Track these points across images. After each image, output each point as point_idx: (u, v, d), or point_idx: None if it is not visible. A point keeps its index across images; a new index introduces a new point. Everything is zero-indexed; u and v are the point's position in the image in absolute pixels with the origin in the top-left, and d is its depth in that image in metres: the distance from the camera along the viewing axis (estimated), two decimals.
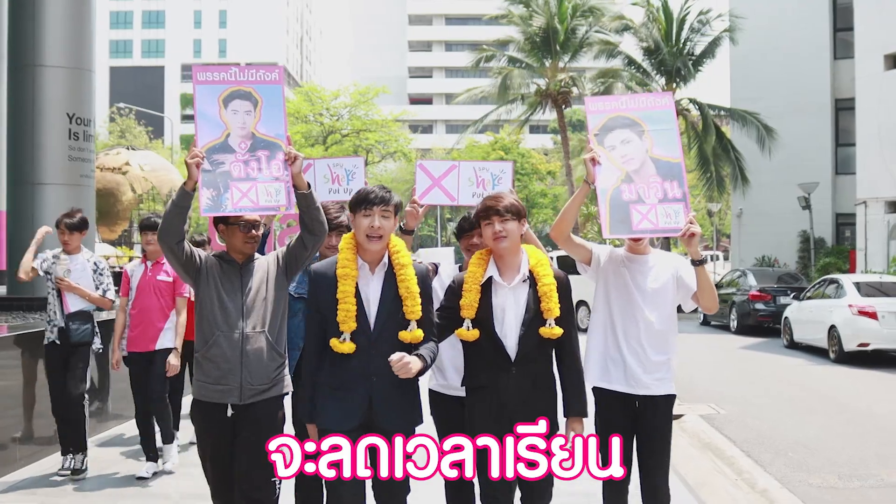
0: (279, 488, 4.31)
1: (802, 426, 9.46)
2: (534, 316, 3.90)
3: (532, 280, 3.95)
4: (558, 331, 3.88)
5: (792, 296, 18.50)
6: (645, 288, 4.34)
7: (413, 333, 3.80)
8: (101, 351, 7.13)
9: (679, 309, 4.52)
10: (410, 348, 3.82)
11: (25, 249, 7.35)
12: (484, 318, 3.92)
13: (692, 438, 8.65)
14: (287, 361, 4.39)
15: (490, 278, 3.96)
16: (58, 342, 6.74)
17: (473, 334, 3.90)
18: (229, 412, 4.20)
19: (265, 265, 4.37)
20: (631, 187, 4.29)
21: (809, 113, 28.13)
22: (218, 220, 4.38)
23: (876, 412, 10.39)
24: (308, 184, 4.28)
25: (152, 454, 6.88)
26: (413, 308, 3.81)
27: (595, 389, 4.38)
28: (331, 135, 50.23)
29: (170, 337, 6.85)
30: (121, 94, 70.19)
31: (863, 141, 23.77)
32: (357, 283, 3.84)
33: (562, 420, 3.97)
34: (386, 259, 3.92)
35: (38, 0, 11.67)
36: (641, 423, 4.34)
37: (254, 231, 4.32)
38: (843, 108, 26.96)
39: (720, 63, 29.76)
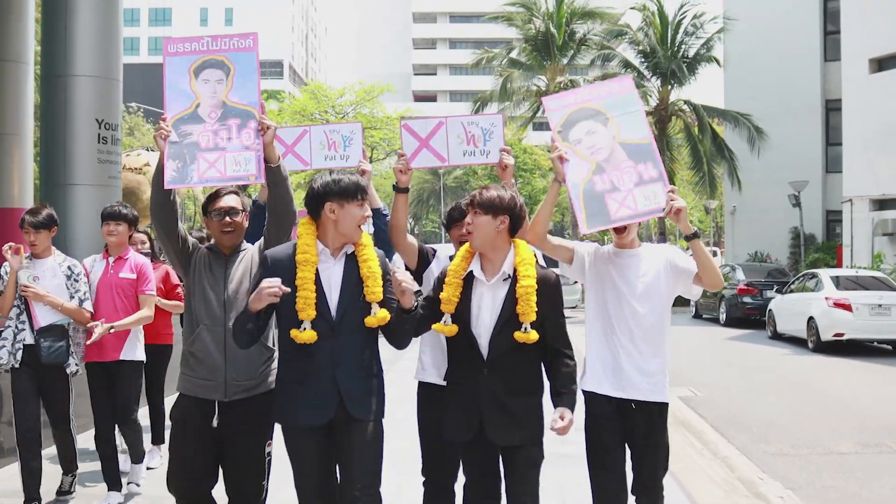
0: (266, 489, 4.18)
1: (770, 406, 10.44)
2: (510, 317, 3.72)
3: (515, 279, 3.78)
4: (534, 336, 3.69)
5: (775, 289, 19.46)
6: (634, 283, 4.12)
7: (378, 317, 3.67)
8: (77, 374, 5.90)
9: (679, 301, 4.61)
10: (372, 331, 3.75)
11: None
12: (461, 314, 3.79)
13: (668, 416, 9.60)
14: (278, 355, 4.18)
15: (471, 273, 3.84)
16: (18, 365, 5.65)
17: (451, 329, 3.77)
18: (216, 409, 4.05)
19: (250, 256, 4.21)
20: (603, 177, 4.13)
21: (801, 113, 29.08)
22: (204, 212, 4.27)
23: (840, 395, 11.38)
24: (278, 157, 4.12)
25: (115, 482, 5.88)
26: (374, 289, 3.67)
27: (586, 393, 4.18)
28: None
29: (138, 347, 6.06)
30: (128, 92, 70.86)
31: (849, 141, 24.73)
32: (318, 270, 3.69)
33: (547, 421, 3.81)
34: (350, 244, 3.78)
35: (70, 15, 12.61)
36: (633, 431, 4.11)
37: (228, 218, 4.14)
38: (833, 109, 27.83)
39: (714, 65, 30.59)
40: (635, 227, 4.22)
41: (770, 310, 18.46)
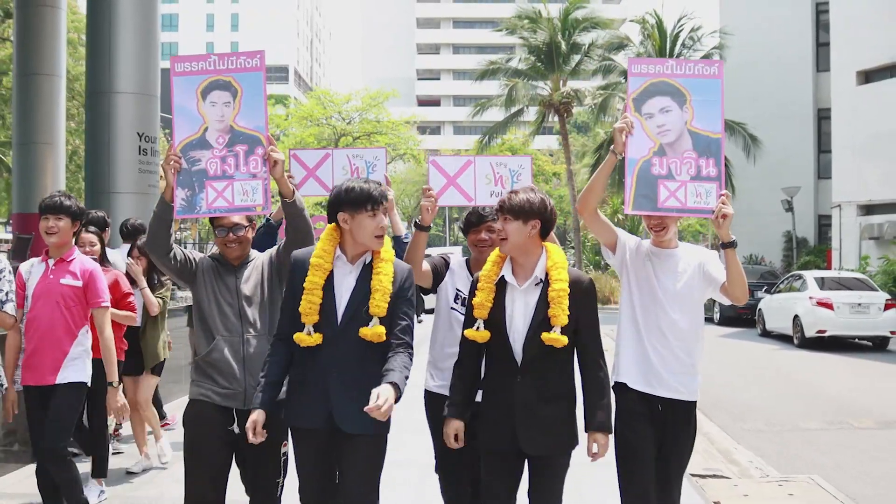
0: (283, 486, 4.19)
1: (751, 393, 11.64)
2: (542, 321, 3.64)
3: (547, 283, 3.70)
4: (563, 339, 3.60)
5: (764, 290, 20.65)
6: (669, 286, 4.07)
7: (374, 330, 3.57)
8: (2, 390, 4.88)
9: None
10: (374, 347, 3.61)
11: None
12: (496, 319, 3.71)
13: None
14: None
15: (503, 278, 3.76)
16: None
17: (483, 335, 3.70)
18: (234, 416, 4.05)
19: (260, 266, 4.20)
20: (662, 161, 4.03)
21: (794, 121, 30.39)
22: (211, 223, 4.21)
23: (815, 383, 12.59)
24: (293, 191, 4.08)
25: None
26: (379, 303, 3.59)
27: (617, 385, 4.12)
28: (342, 137, 52.06)
29: (79, 367, 4.92)
30: None
31: (837, 150, 26.03)
32: (333, 274, 3.68)
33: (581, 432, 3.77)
34: (368, 253, 3.73)
35: (113, 37, 13.83)
36: (662, 429, 4.07)
37: (232, 234, 4.12)
38: (825, 117, 29.05)
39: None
40: (674, 226, 4.15)
41: (760, 309, 19.66)
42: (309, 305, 3.59)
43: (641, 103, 4.07)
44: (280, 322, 3.79)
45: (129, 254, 6.90)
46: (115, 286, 5.96)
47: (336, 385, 3.59)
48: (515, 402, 3.66)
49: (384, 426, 3.62)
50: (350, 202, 3.63)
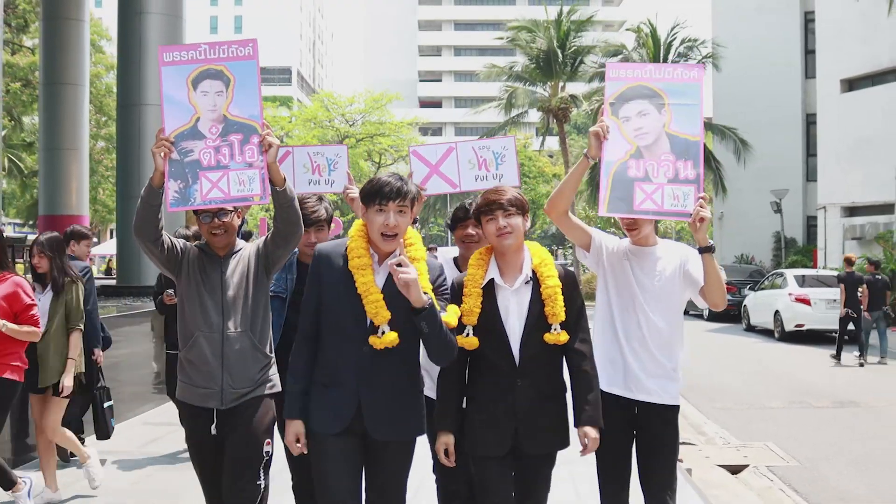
0: (267, 487, 4.05)
1: (727, 378, 12.86)
2: (537, 320, 3.58)
3: (535, 281, 3.63)
4: (564, 336, 3.56)
5: (749, 287, 21.88)
6: (647, 285, 3.93)
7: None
8: None
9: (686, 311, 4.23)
10: (403, 351, 3.46)
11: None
12: (490, 322, 3.61)
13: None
14: (275, 360, 4.05)
15: (491, 280, 3.65)
16: None
17: (472, 342, 3.58)
18: (214, 416, 3.90)
19: (246, 258, 4.02)
20: (639, 163, 3.90)
21: (783, 126, 31.65)
22: (194, 211, 4.02)
23: (786, 371, 13.83)
24: (284, 179, 3.85)
25: None
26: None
27: None
28: (345, 139, 52.97)
29: None
30: None
31: (823, 154, 27.30)
32: None
33: (572, 430, 3.66)
34: (397, 252, 3.44)
35: (143, 52, 15.02)
36: (641, 434, 3.95)
37: (217, 220, 3.90)
38: (813, 122, 30.28)
39: (705, 82, 32.92)
40: (649, 225, 4.01)
41: (744, 305, 20.88)
42: (374, 306, 3.39)
43: (619, 107, 3.98)
44: (303, 322, 3.57)
45: (31, 251, 6.13)
46: (13, 297, 5.16)
47: (368, 391, 3.44)
48: (518, 405, 3.57)
49: (416, 432, 3.56)
50: (363, 195, 3.50)
